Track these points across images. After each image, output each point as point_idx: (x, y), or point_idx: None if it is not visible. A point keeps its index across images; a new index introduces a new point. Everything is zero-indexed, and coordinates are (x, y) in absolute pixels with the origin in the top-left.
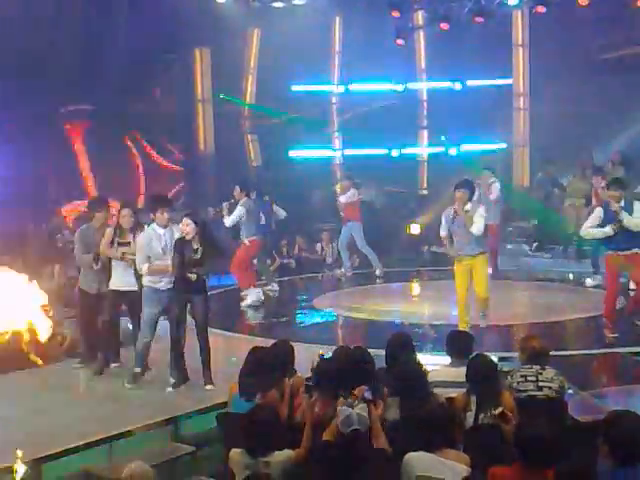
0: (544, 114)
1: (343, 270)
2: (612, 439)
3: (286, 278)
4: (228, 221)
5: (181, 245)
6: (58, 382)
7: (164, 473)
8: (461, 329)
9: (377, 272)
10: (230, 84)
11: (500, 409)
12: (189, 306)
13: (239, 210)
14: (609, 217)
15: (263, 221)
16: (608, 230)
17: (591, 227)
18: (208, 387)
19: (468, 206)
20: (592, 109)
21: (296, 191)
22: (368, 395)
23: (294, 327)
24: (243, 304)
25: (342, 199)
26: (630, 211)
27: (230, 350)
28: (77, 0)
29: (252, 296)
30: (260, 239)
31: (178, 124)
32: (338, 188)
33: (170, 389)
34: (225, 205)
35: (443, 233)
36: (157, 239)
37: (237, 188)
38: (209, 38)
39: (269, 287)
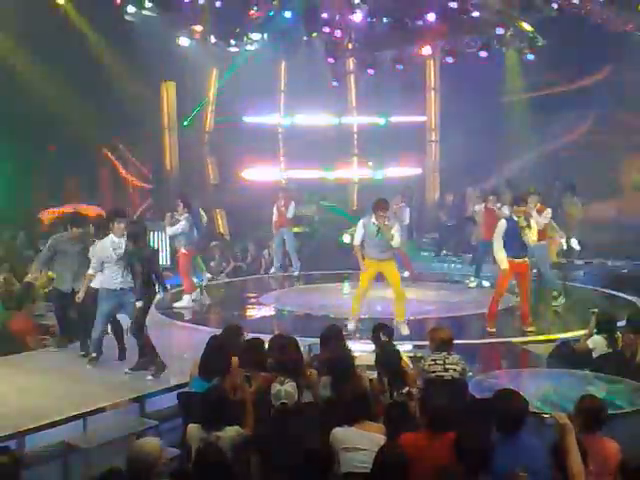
0: (452, 146)
1: (295, 272)
2: (497, 413)
3: (239, 279)
4: (170, 231)
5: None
6: (37, 366)
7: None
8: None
9: (295, 273)
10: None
11: (407, 389)
12: None
13: (182, 224)
14: (511, 228)
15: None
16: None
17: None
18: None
19: (387, 221)
20: (491, 142)
21: (249, 205)
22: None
23: (243, 319)
24: (177, 304)
25: (290, 214)
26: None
27: (187, 338)
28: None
29: (184, 301)
30: (194, 249)
31: (148, 148)
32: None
33: (127, 370)
34: (168, 216)
35: (357, 243)
36: (111, 246)
37: (180, 203)
38: (175, 74)
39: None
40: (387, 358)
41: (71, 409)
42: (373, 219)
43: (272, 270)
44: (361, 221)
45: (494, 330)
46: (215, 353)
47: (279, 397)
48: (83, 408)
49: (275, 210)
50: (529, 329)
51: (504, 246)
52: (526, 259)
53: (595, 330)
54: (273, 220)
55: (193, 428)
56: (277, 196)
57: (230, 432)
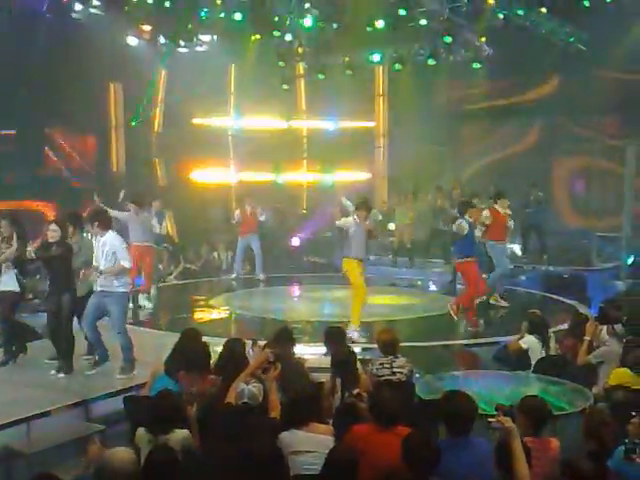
0: (399, 151)
1: (261, 276)
2: (445, 414)
3: (189, 281)
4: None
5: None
6: None
7: (76, 448)
8: (334, 325)
9: (260, 277)
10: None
11: (357, 390)
12: None
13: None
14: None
15: (157, 230)
16: None
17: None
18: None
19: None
20: (439, 148)
21: (198, 208)
22: (271, 357)
23: (193, 322)
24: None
25: (262, 218)
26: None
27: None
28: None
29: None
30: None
31: (94, 148)
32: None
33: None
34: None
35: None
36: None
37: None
38: (122, 75)
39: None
40: (343, 360)
41: (14, 413)
42: (357, 220)
43: (233, 275)
44: (353, 217)
45: (478, 328)
46: (181, 354)
47: (242, 396)
48: (26, 412)
49: (240, 215)
50: (475, 329)
51: (460, 246)
52: (474, 258)
53: (528, 331)
54: (239, 225)
55: (141, 432)
56: (243, 200)
57: (178, 435)
